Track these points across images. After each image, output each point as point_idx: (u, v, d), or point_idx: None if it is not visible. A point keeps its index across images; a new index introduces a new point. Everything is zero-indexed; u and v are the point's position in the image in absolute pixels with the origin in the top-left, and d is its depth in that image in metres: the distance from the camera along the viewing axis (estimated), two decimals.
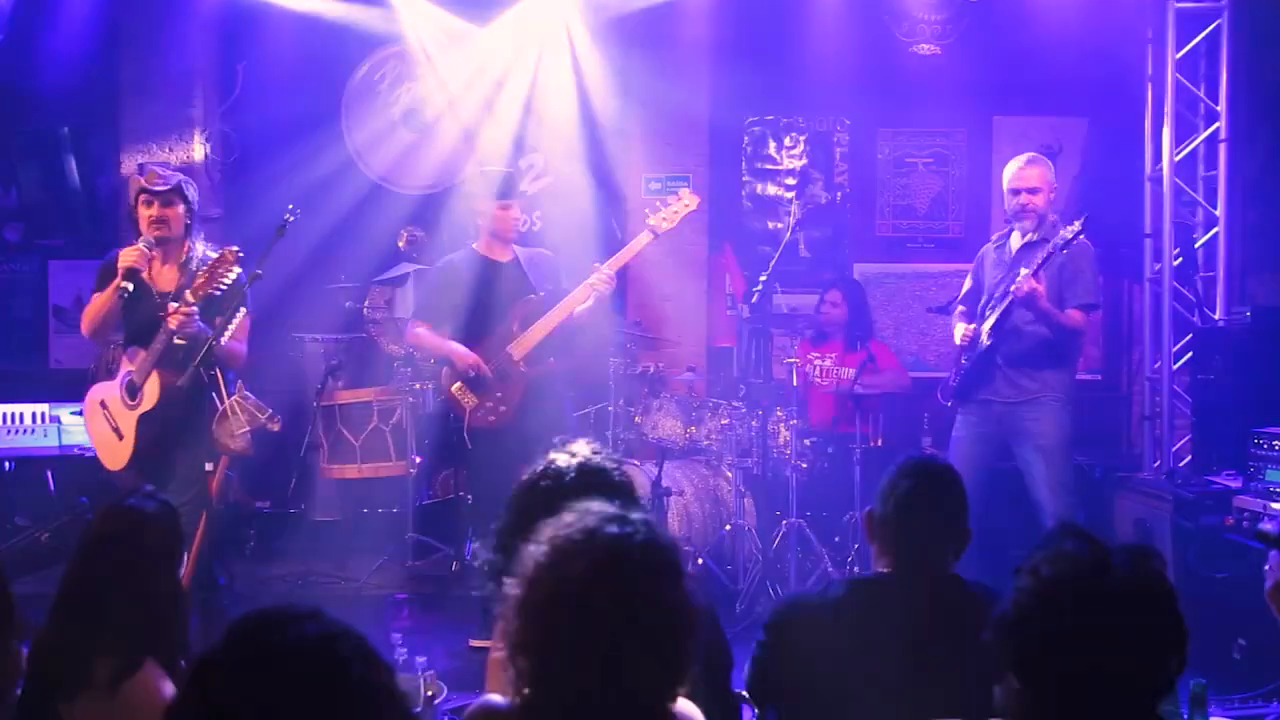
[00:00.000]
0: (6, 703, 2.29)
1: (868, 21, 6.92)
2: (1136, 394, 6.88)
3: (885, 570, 2.59)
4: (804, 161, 7.40)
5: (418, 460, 6.19)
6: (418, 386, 6.25)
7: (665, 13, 6.87)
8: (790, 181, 7.41)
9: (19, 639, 2.31)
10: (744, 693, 2.64)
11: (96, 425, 4.58)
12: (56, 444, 6.03)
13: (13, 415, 5.97)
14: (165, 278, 4.44)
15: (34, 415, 6.00)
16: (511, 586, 1.68)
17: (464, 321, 5.04)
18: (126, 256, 4.31)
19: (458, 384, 5.01)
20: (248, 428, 4.42)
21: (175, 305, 4.18)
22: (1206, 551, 4.86)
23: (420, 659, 3.22)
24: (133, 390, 4.39)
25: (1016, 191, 5.06)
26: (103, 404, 4.54)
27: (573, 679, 1.62)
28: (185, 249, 4.43)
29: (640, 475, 5.50)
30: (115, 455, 4.49)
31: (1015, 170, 5.09)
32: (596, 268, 4.96)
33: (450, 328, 5.06)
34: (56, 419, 6.07)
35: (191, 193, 4.47)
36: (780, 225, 7.29)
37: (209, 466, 4.29)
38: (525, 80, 7.09)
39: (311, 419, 6.24)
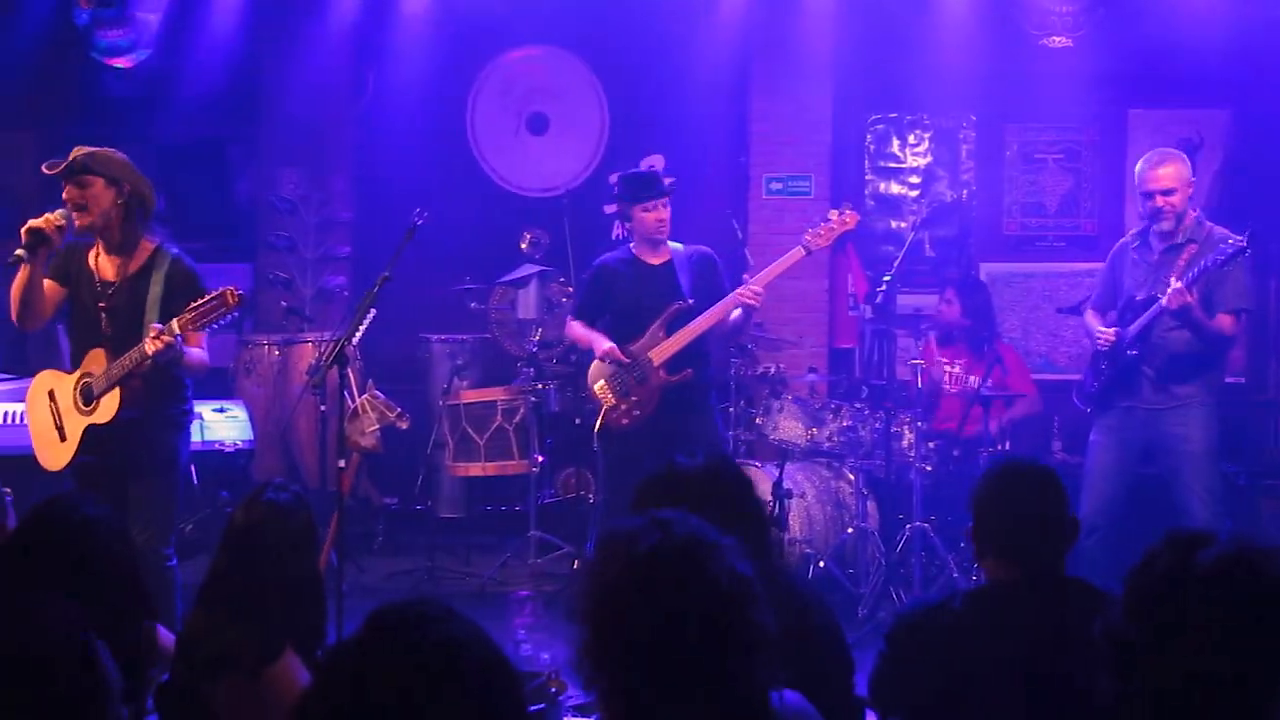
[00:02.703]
0: (145, 681, 2.40)
1: (995, 14, 6.76)
2: None
3: (1006, 578, 2.53)
4: (928, 159, 7.28)
5: (540, 459, 6.27)
6: (540, 386, 6.34)
7: (788, 9, 6.83)
8: (914, 180, 7.29)
9: (150, 620, 2.41)
10: (866, 698, 2.61)
11: (38, 415, 4.17)
12: (199, 439, 6.22)
13: None
14: (108, 265, 4.08)
15: None
16: (573, 613, 1.70)
17: (615, 323, 5.09)
18: (34, 220, 3.93)
19: (601, 382, 5.03)
20: (377, 426, 4.54)
21: (159, 329, 3.82)
22: None
23: (544, 655, 3.26)
24: (88, 395, 4.02)
25: (1150, 194, 4.75)
26: (51, 394, 4.14)
27: (652, 691, 1.62)
28: (123, 231, 4.03)
29: (761, 476, 5.47)
30: (54, 455, 4.11)
31: (1147, 171, 4.78)
32: (746, 280, 4.95)
33: (602, 327, 5.11)
34: (199, 415, 6.26)
35: (122, 171, 4.01)
36: (904, 224, 7.18)
37: (341, 463, 4.26)
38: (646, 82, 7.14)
39: (438, 418, 6.38)
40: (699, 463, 2.48)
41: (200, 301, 3.85)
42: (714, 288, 5.02)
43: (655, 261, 5.08)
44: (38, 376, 4.25)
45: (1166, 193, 4.72)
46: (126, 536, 2.33)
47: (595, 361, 5.07)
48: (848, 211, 5.14)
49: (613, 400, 4.99)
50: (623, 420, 4.98)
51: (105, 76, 7.02)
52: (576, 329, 5.19)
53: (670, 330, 4.97)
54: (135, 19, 6.82)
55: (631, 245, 5.16)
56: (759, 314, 6.22)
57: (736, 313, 4.95)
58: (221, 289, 3.84)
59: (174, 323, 3.85)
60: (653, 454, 3.95)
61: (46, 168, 4.02)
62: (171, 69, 6.98)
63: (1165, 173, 4.74)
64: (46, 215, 3.95)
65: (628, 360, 4.95)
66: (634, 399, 4.97)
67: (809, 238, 5.04)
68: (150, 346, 3.81)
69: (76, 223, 3.99)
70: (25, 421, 4.33)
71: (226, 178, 7.45)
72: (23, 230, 3.92)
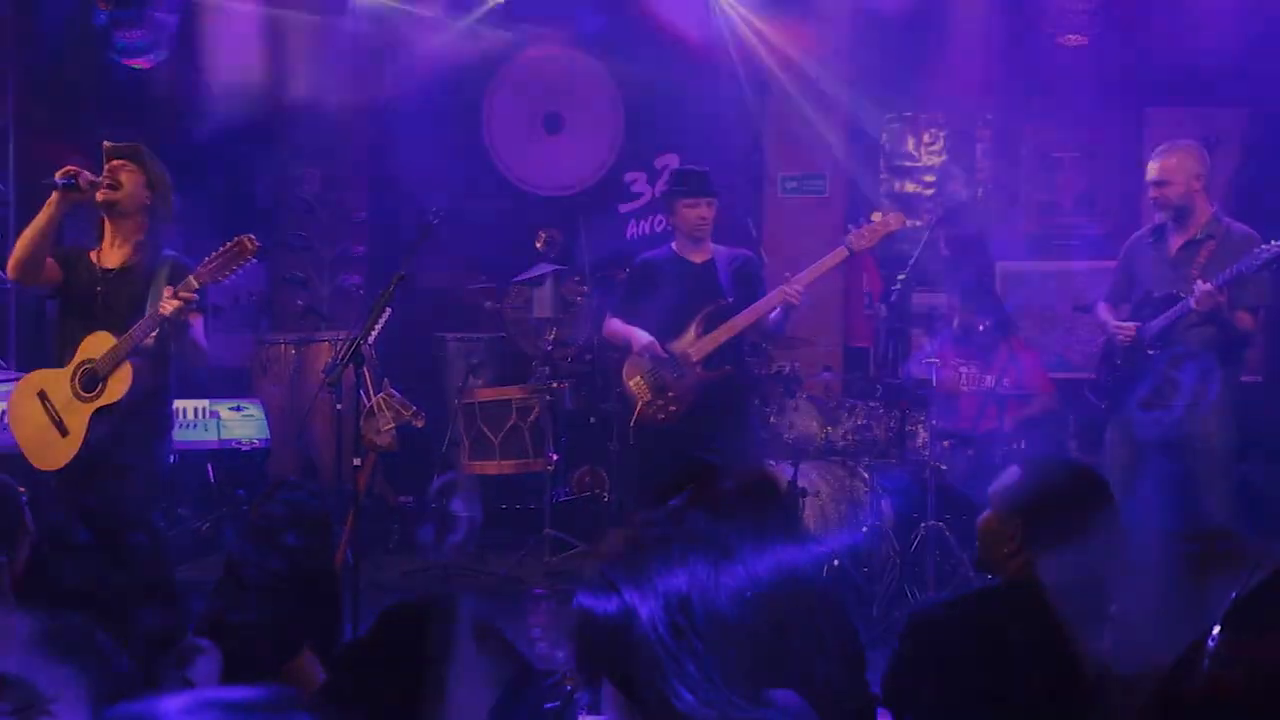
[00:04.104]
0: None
1: (1011, 13, 6.74)
2: None
3: (1028, 579, 2.52)
4: (944, 158, 7.26)
5: (555, 458, 6.29)
6: (555, 385, 6.36)
7: (804, 7, 6.83)
8: (929, 179, 7.28)
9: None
10: (879, 695, 2.61)
11: (30, 417, 3.98)
12: (216, 438, 6.29)
13: (177, 410, 6.17)
14: (112, 255, 4.06)
15: (196, 410, 6.24)
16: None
17: (654, 320, 5.07)
18: (73, 166, 3.94)
19: (637, 378, 5.03)
20: (393, 424, 4.56)
21: (173, 289, 3.74)
22: None
23: (559, 654, 3.27)
24: (91, 381, 3.89)
25: (1148, 184, 4.87)
26: (42, 394, 3.99)
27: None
28: (141, 229, 4.05)
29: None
30: (55, 454, 3.93)
31: (1150, 161, 4.88)
32: (787, 278, 4.94)
33: (641, 324, 5.10)
34: (216, 414, 6.32)
35: (160, 178, 4.09)
36: (919, 223, 7.17)
37: (356, 462, 4.25)
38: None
39: (453, 416, 6.40)
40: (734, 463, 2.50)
41: (218, 252, 3.81)
42: (753, 291, 5.03)
43: (697, 260, 5.10)
44: (23, 379, 4.14)
45: (1158, 184, 4.78)
46: (164, 550, 2.38)
47: (631, 357, 5.07)
48: (891, 214, 5.13)
49: (648, 396, 4.99)
50: (658, 416, 4.97)
51: (124, 77, 7.06)
52: (615, 325, 5.19)
53: (709, 328, 4.97)
54: (153, 19, 6.86)
55: (673, 244, 5.18)
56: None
57: (774, 314, 4.96)
58: (238, 237, 3.82)
59: (192, 278, 3.80)
60: (683, 451, 3.95)
61: (106, 144, 4.07)
62: (188, 68, 7.02)
63: (1165, 164, 4.80)
64: (88, 173, 3.95)
65: (665, 356, 4.95)
66: (670, 394, 4.96)
67: (853, 238, 5.03)
68: (167, 306, 3.73)
69: (104, 196, 3.98)
70: (6, 424, 4.22)
71: (243, 178, 7.49)
72: (60, 170, 3.90)
